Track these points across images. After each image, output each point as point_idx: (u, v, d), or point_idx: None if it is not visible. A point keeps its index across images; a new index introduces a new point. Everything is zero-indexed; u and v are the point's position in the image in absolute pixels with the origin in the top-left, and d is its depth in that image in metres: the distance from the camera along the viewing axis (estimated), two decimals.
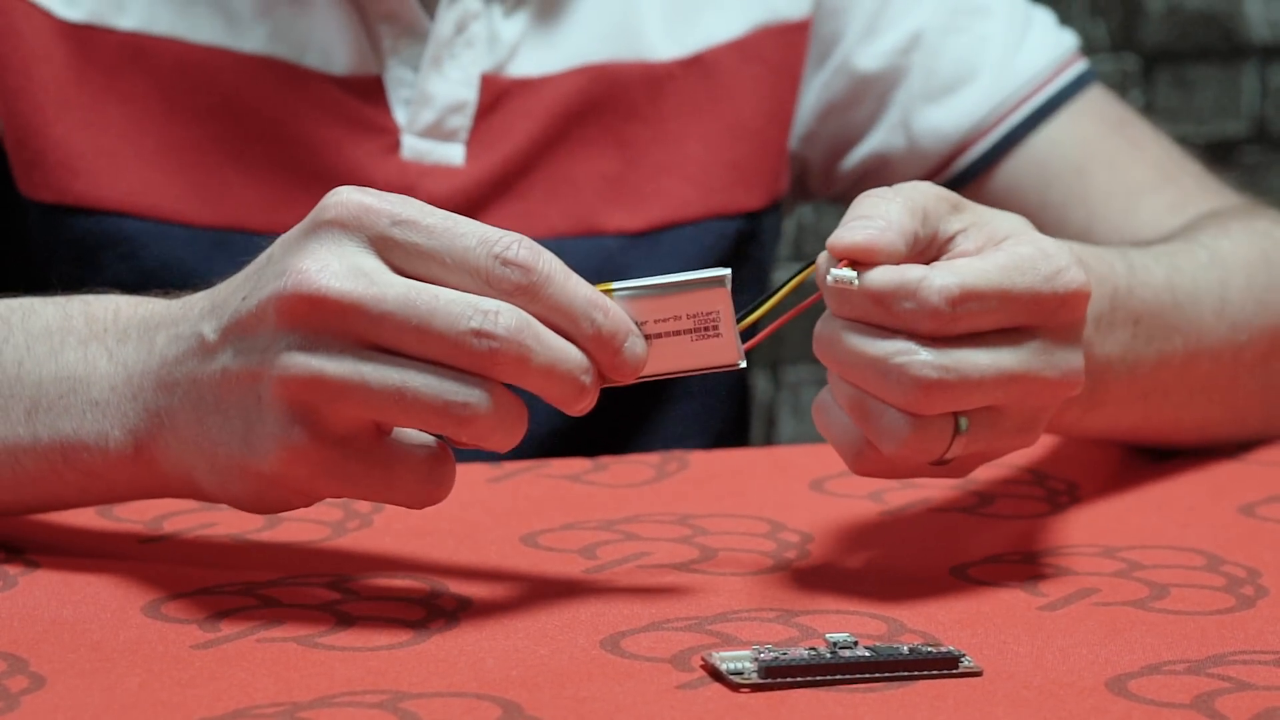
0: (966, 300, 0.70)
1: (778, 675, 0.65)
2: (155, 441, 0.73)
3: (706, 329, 0.71)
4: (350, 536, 0.80)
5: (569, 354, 0.68)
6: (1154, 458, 0.91)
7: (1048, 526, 0.83)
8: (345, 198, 0.69)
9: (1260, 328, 0.91)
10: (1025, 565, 0.78)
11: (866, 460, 0.73)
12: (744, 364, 0.72)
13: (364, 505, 0.82)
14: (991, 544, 0.80)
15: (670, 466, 0.89)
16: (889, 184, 1.07)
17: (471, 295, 0.68)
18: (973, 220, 0.73)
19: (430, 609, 0.72)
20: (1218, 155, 2.30)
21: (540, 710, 0.63)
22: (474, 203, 0.99)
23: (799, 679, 0.65)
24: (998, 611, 0.72)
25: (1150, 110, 2.20)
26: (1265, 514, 0.85)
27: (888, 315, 0.70)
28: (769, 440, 2.05)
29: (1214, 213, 1.00)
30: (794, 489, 0.88)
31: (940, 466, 0.73)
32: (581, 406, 0.69)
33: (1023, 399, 0.72)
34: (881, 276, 0.70)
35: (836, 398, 0.72)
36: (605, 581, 0.75)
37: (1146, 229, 1.01)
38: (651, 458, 0.91)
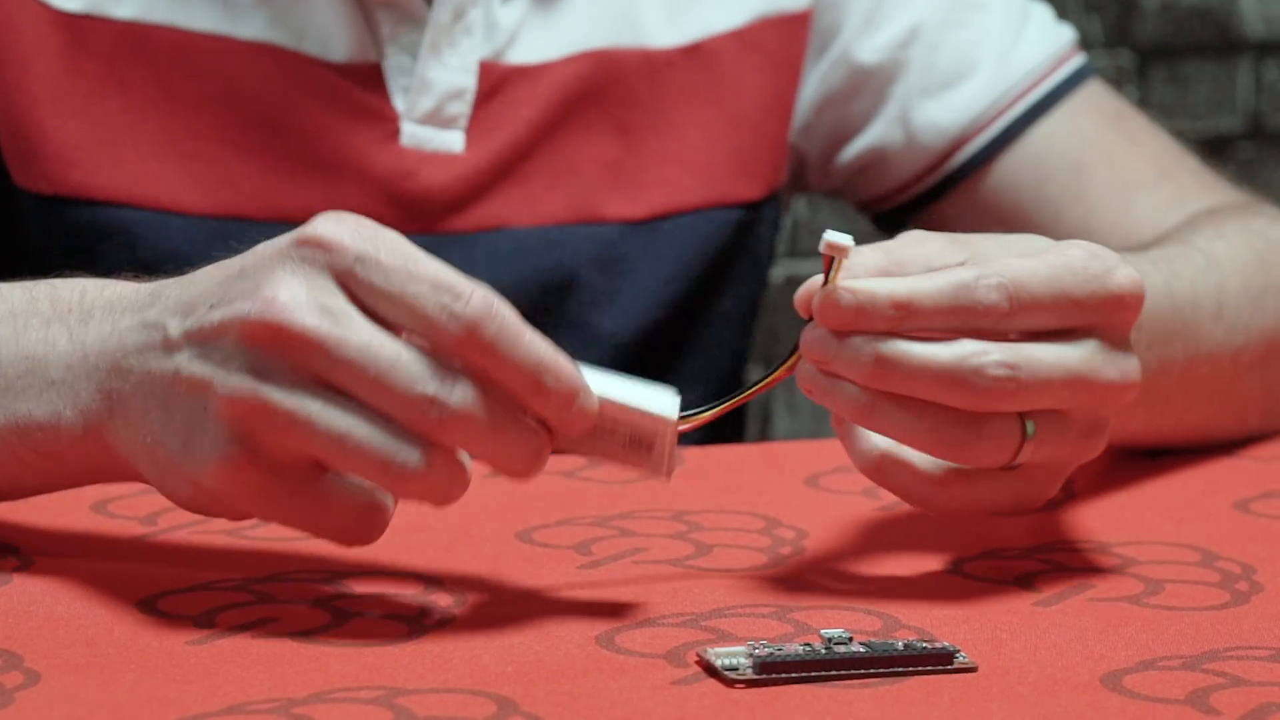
0: (1021, 296, 0.70)
1: (772, 671, 0.65)
2: (105, 424, 0.72)
3: (642, 443, 0.70)
4: None
5: (518, 436, 0.68)
6: (1149, 454, 0.91)
7: (1043, 522, 0.83)
8: (322, 227, 0.68)
9: (1257, 330, 0.91)
10: (1020, 561, 0.78)
11: (952, 492, 0.72)
12: (669, 480, 0.71)
13: None
14: (987, 540, 0.80)
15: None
16: (886, 177, 1.07)
17: (434, 364, 0.67)
18: (992, 249, 0.73)
19: (426, 605, 0.72)
20: (1213, 151, 2.30)
21: (535, 706, 0.63)
22: (474, 190, 0.99)
23: (794, 675, 0.65)
24: (993, 607, 0.72)
25: (1145, 106, 2.19)
26: (1260, 510, 0.85)
27: (948, 317, 0.69)
28: (764, 436, 2.05)
29: (1210, 211, 1.00)
30: (789, 485, 0.88)
31: (1020, 496, 0.73)
32: (529, 478, 0.69)
33: (1087, 400, 0.72)
34: (937, 281, 0.69)
35: (890, 433, 0.71)
36: (600, 578, 0.75)
37: (1144, 225, 1.01)
38: None
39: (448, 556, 0.77)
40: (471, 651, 0.67)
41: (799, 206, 2.12)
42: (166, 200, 0.97)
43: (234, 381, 0.67)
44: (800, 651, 0.66)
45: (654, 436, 0.70)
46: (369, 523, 0.69)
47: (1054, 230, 1.03)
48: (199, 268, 0.72)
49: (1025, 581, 0.75)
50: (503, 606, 0.71)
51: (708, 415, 0.72)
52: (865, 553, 0.79)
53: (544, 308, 0.99)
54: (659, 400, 0.70)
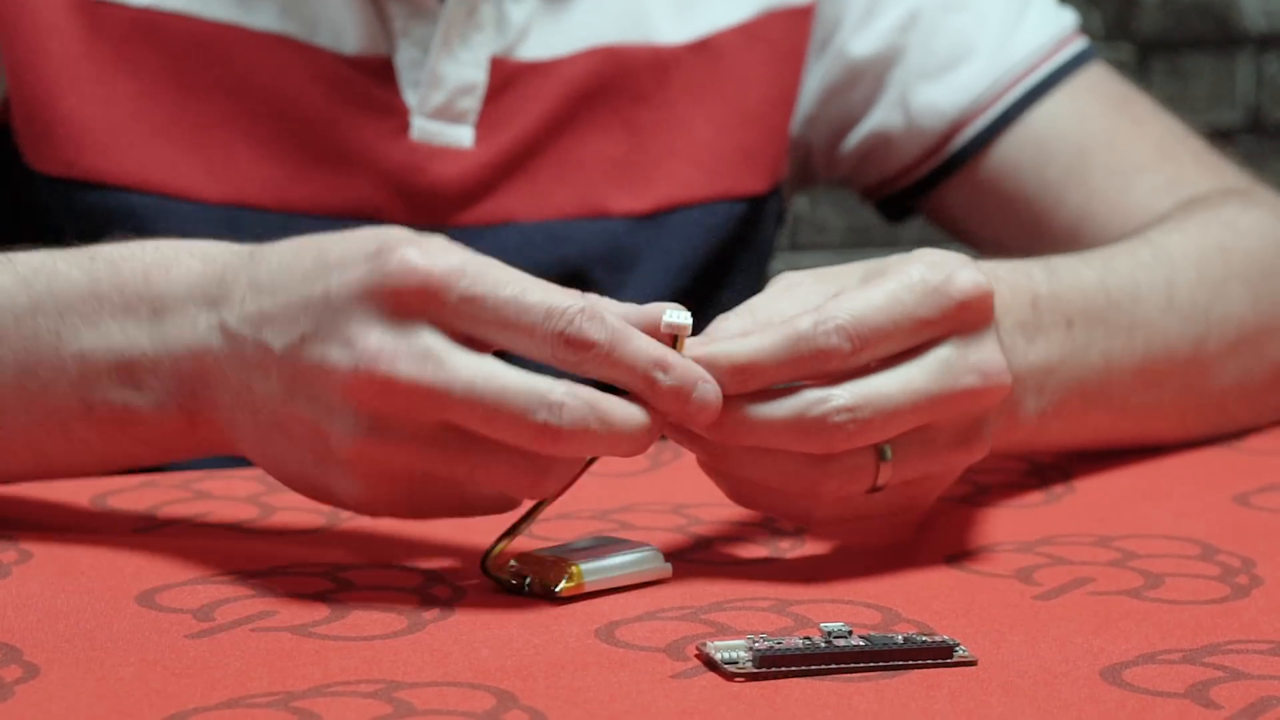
0: (863, 332, 0.71)
1: (772, 665, 0.65)
2: (204, 409, 0.74)
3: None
4: (345, 526, 0.79)
5: (629, 422, 0.69)
6: (1149, 449, 0.91)
7: (1043, 516, 0.83)
8: (407, 266, 0.69)
9: (1220, 319, 0.90)
10: (1020, 555, 0.78)
11: (825, 514, 0.74)
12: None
13: None
14: (986, 533, 0.80)
15: (664, 456, 0.89)
16: (889, 162, 1.07)
17: (538, 382, 0.68)
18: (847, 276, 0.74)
19: (425, 598, 0.72)
20: (1213, 145, 2.30)
21: (534, 700, 0.63)
22: (483, 184, 0.99)
23: (794, 668, 0.65)
24: (992, 601, 0.72)
25: None
26: (1260, 503, 0.85)
27: (793, 369, 0.70)
28: None
29: (1195, 199, 0.99)
30: None
31: (895, 512, 0.74)
32: (641, 451, 0.70)
33: (948, 412, 0.73)
34: (774, 336, 0.70)
35: (746, 477, 0.73)
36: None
37: (1141, 209, 1.01)
38: None
39: (447, 550, 0.76)
40: (471, 645, 0.67)
41: (800, 200, 2.12)
42: (176, 187, 0.97)
43: (353, 442, 0.69)
44: (800, 645, 0.66)
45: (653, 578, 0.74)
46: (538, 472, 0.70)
47: (1055, 214, 1.03)
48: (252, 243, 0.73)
49: (1024, 575, 0.75)
50: (502, 600, 0.71)
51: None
52: (865, 547, 0.78)
53: None
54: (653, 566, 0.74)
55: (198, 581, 0.73)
